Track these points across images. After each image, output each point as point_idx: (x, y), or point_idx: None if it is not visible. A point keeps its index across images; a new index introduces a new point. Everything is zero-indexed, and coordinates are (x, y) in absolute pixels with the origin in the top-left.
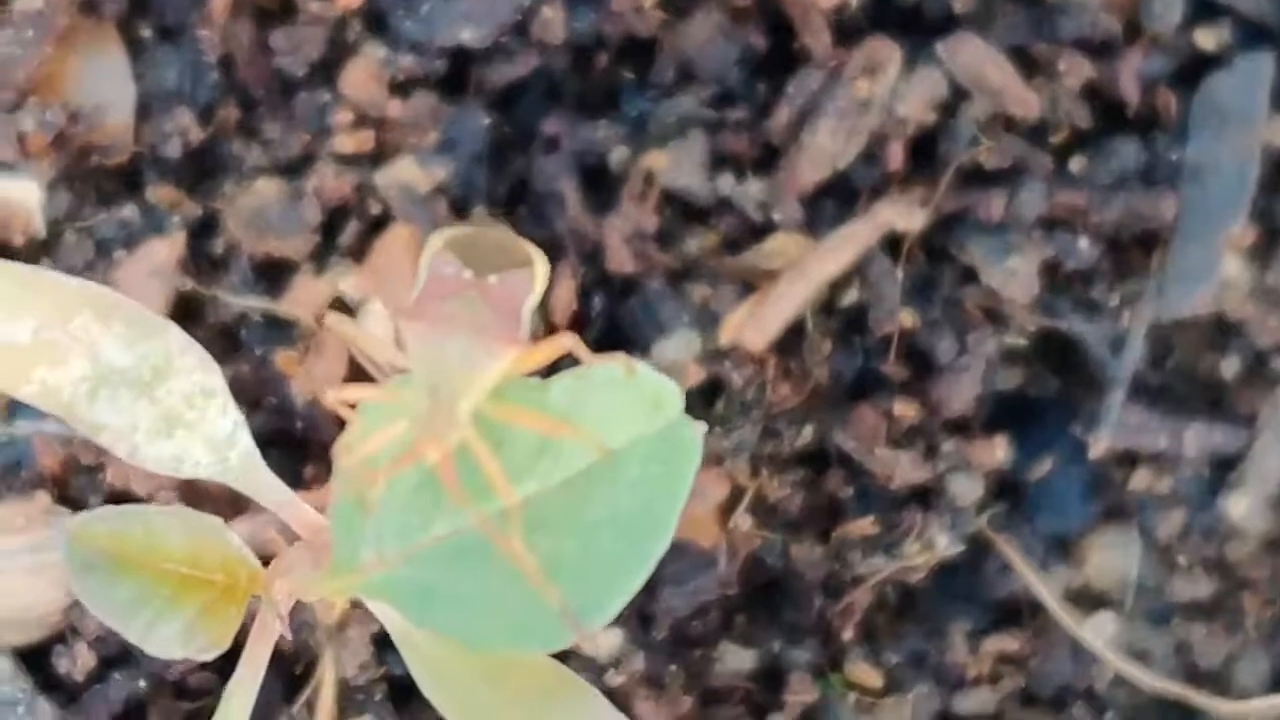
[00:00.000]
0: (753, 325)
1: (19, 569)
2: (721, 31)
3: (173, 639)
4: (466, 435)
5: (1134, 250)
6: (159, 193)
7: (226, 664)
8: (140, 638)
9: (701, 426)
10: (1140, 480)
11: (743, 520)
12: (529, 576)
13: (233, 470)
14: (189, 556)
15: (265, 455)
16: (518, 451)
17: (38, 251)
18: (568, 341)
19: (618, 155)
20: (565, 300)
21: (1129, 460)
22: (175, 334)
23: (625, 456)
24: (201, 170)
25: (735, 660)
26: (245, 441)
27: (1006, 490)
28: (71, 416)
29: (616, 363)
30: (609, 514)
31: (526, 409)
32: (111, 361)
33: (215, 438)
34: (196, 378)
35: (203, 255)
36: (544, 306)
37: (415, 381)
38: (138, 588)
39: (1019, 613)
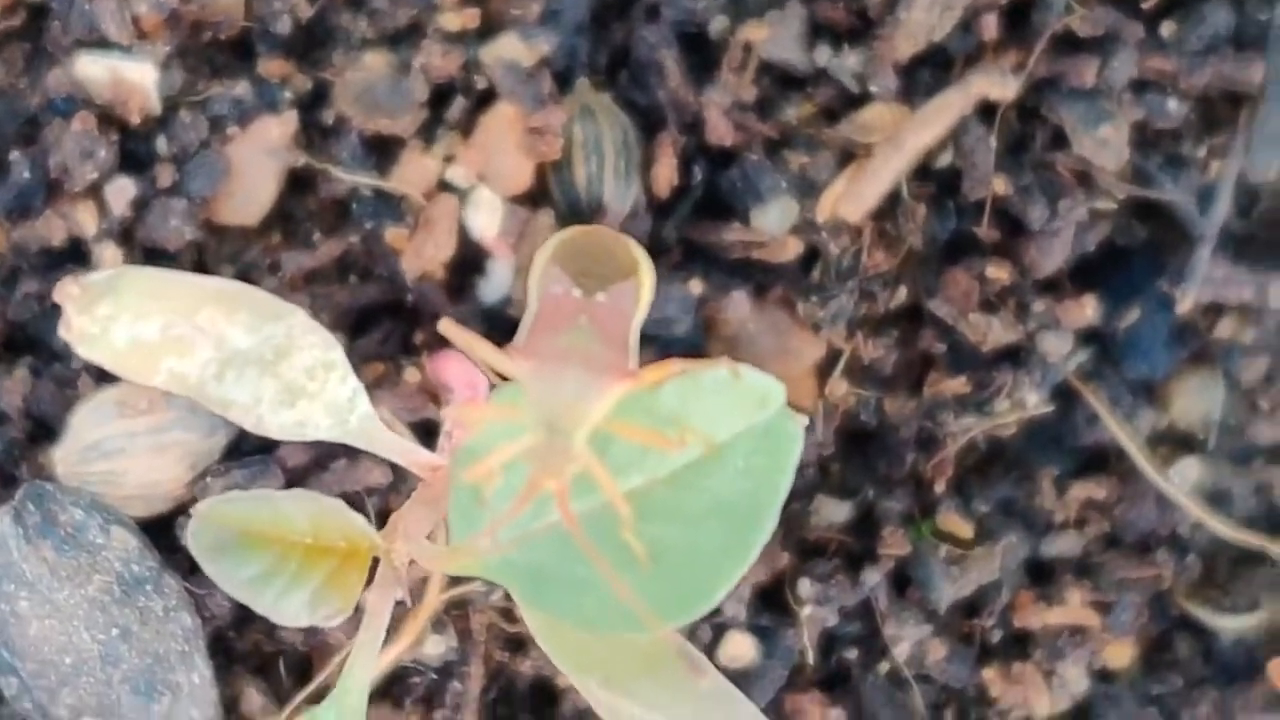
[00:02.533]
0: (849, 198)
1: (142, 449)
2: None
3: (301, 607)
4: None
5: (1222, 106)
6: (270, 66)
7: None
8: (270, 609)
9: (803, 419)
10: (1225, 329)
11: (838, 385)
12: (638, 561)
13: (352, 431)
14: (313, 531)
15: (376, 324)
16: (626, 446)
17: (154, 129)
18: (675, 366)
19: (717, 25)
20: (666, 171)
21: (1214, 310)
22: (298, 317)
23: (729, 450)
24: (311, 42)
25: (830, 512)
26: (363, 405)
27: (1094, 340)
28: (200, 396)
29: (722, 366)
30: (713, 504)
31: (635, 423)
32: (236, 345)
33: (336, 404)
34: (317, 353)
35: (314, 126)
36: (645, 177)
37: (530, 415)
38: (266, 562)
39: (1106, 459)
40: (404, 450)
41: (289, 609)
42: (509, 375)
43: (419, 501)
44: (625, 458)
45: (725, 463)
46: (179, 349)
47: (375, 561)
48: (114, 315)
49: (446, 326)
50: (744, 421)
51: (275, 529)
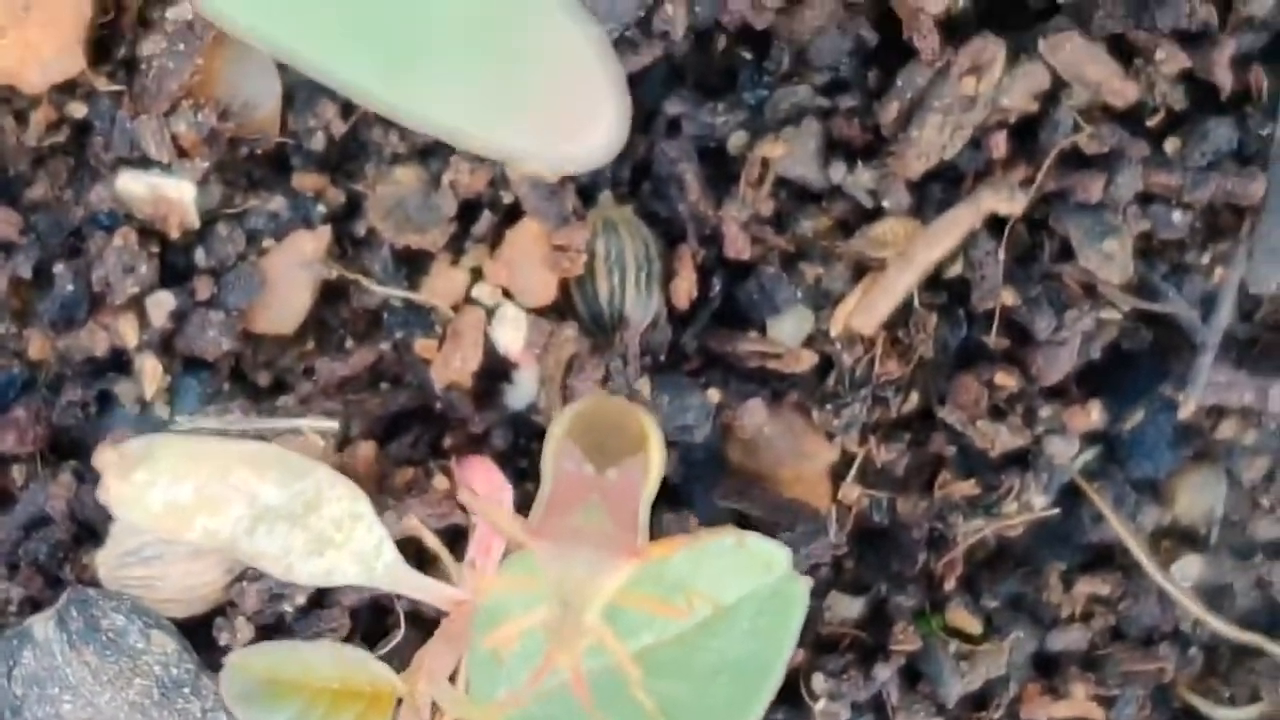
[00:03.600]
0: (862, 310)
1: (179, 555)
2: (834, 21)
3: None
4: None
5: (1225, 215)
6: (304, 180)
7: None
8: None
9: (807, 582)
10: (1227, 430)
11: (851, 488)
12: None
13: (378, 577)
14: (338, 677)
15: (406, 427)
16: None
17: (193, 242)
18: (682, 541)
19: (735, 140)
20: (686, 284)
21: (1217, 412)
22: (324, 472)
23: (736, 611)
24: (344, 157)
25: (844, 608)
26: (389, 553)
27: (1099, 440)
28: (232, 549)
29: (727, 534)
30: (721, 662)
31: (644, 590)
32: (267, 502)
33: (363, 552)
34: (344, 505)
35: (347, 238)
36: (666, 289)
37: (545, 591)
38: (295, 709)
39: (1111, 556)
40: (428, 589)
41: None
42: (526, 545)
43: (442, 639)
44: (636, 619)
45: (732, 623)
46: (212, 508)
47: (399, 701)
48: (150, 481)
49: (469, 499)
50: (750, 584)
51: (302, 677)
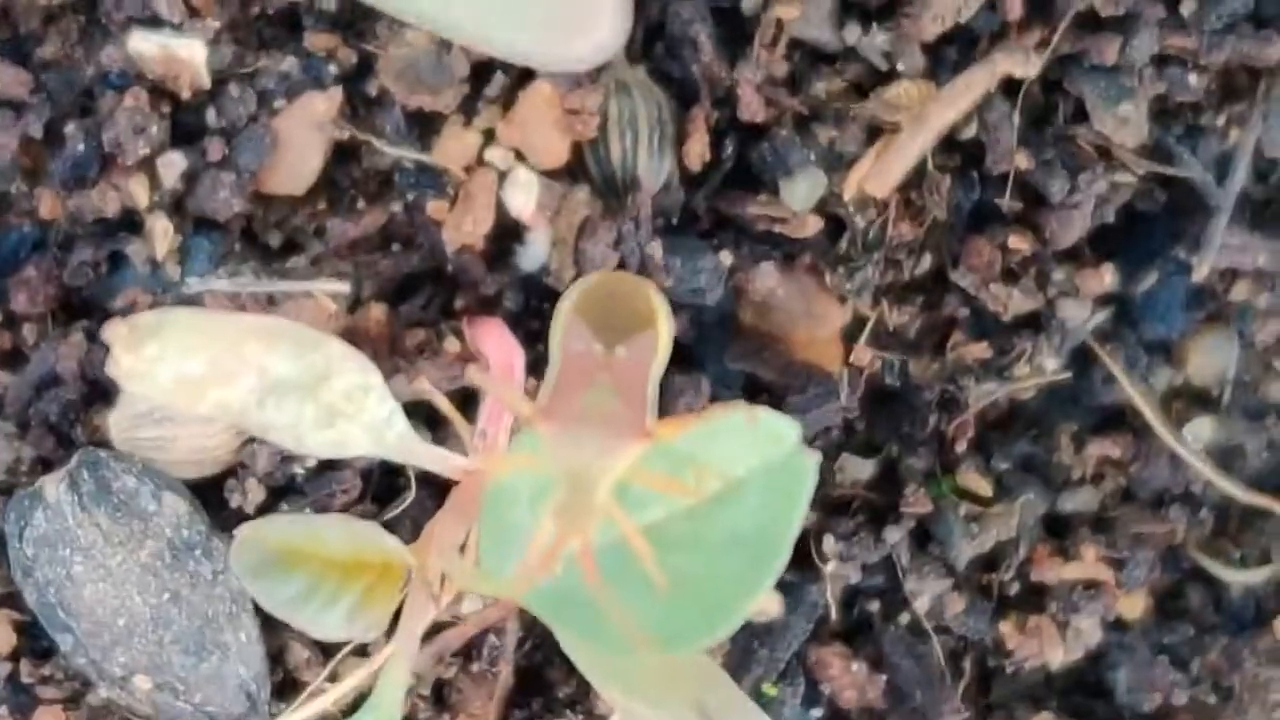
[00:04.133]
0: (876, 173)
1: (192, 417)
2: None
3: (339, 622)
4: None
5: (1241, 77)
6: (316, 40)
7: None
8: (310, 624)
9: (816, 455)
10: (1240, 292)
11: (863, 351)
12: (658, 590)
13: (390, 447)
14: (349, 550)
15: (417, 289)
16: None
17: (204, 103)
18: (690, 420)
19: (750, 2)
20: (699, 146)
21: (1230, 274)
22: (335, 344)
23: (746, 485)
24: (356, 17)
25: (855, 470)
26: (400, 424)
27: (1112, 302)
28: (242, 420)
29: (737, 411)
30: (730, 535)
31: (654, 466)
32: (278, 374)
33: (374, 423)
34: (355, 377)
35: (359, 99)
36: (678, 151)
37: (553, 473)
38: (305, 580)
39: (1122, 418)
40: (439, 459)
41: (328, 624)
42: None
43: (450, 513)
44: (646, 493)
45: (742, 497)
46: (223, 381)
47: (410, 573)
48: (160, 355)
49: (474, 374)
50: (759, 458)
51: (313, 548)
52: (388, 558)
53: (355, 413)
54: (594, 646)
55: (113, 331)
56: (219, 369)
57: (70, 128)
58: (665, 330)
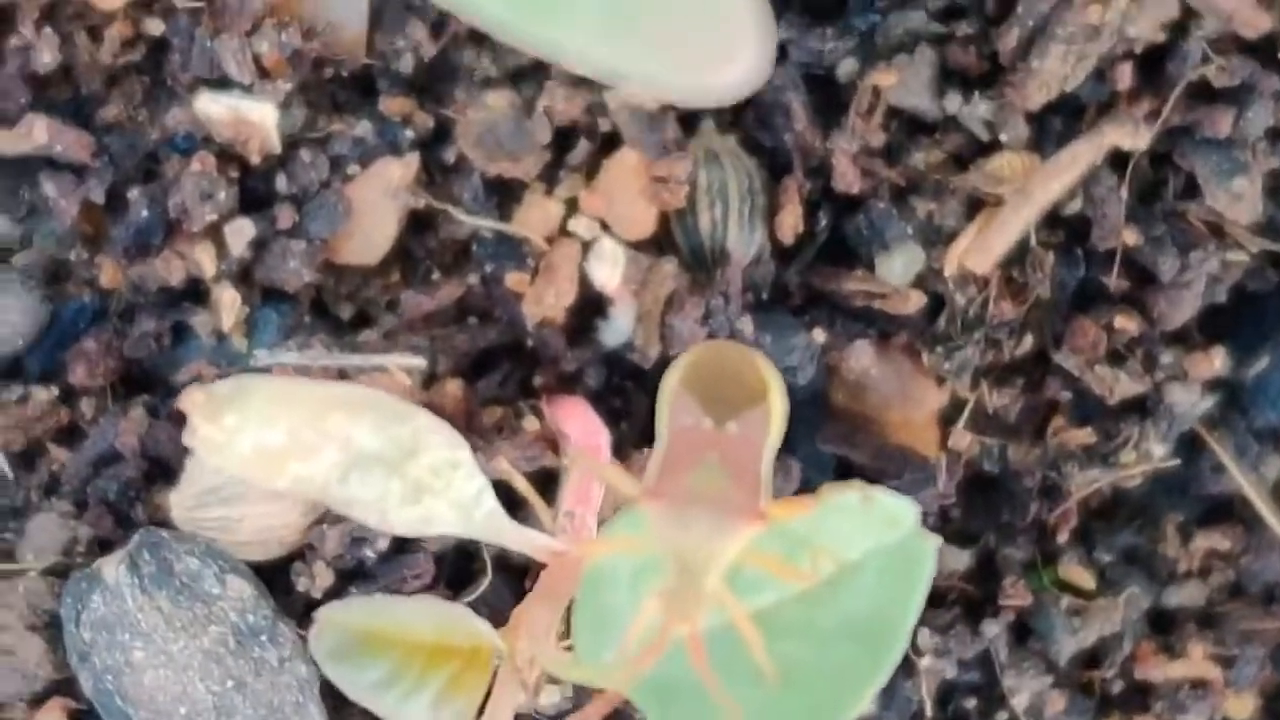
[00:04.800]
0: (977, 248)
1: (259, 495)
2: None
3: (424, 710)
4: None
5: None
6: (392, 104)
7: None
8: (393, 712)
9: (936, 540)
10: None
11: (962, 435)
12: (767, 680)
13: (477, 527)
14: (435, 633)
15: (495, 365)
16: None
17: (274, 168)
18: (804, 503)
19: (845, 68)
20: (791, 218)
21: None
22: (424, 417)
23: (860, 568)
24: (434, 80)
25: (951, 560)
26: (490, 502)
27: (1221, 386)
28: (324, 497)
29: (853, 490)
30: (845, 622)
31: (767, 547)
32: (362, 447)
33: (462, 500)
34: (443, 453)
35: (435, 166)
36: (770, 223)
37: (661, 557)
38: (388, 666)
39: (1231, 508)
40: (528, 541)
41: (411, 712)
42: (639, 505)
43: (541, 594)
44: (756, 576)
45: (857, 581)
46: (304, 453)
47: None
48: (240, 425)
49: (579, 457)
50: (875, 541)
51: (397, 633)
52: (476, 642)
53: (443, 489)
54: None
55: (190, 400)
56: (300, 441)
57: (134, 193)
58: (779, 405)
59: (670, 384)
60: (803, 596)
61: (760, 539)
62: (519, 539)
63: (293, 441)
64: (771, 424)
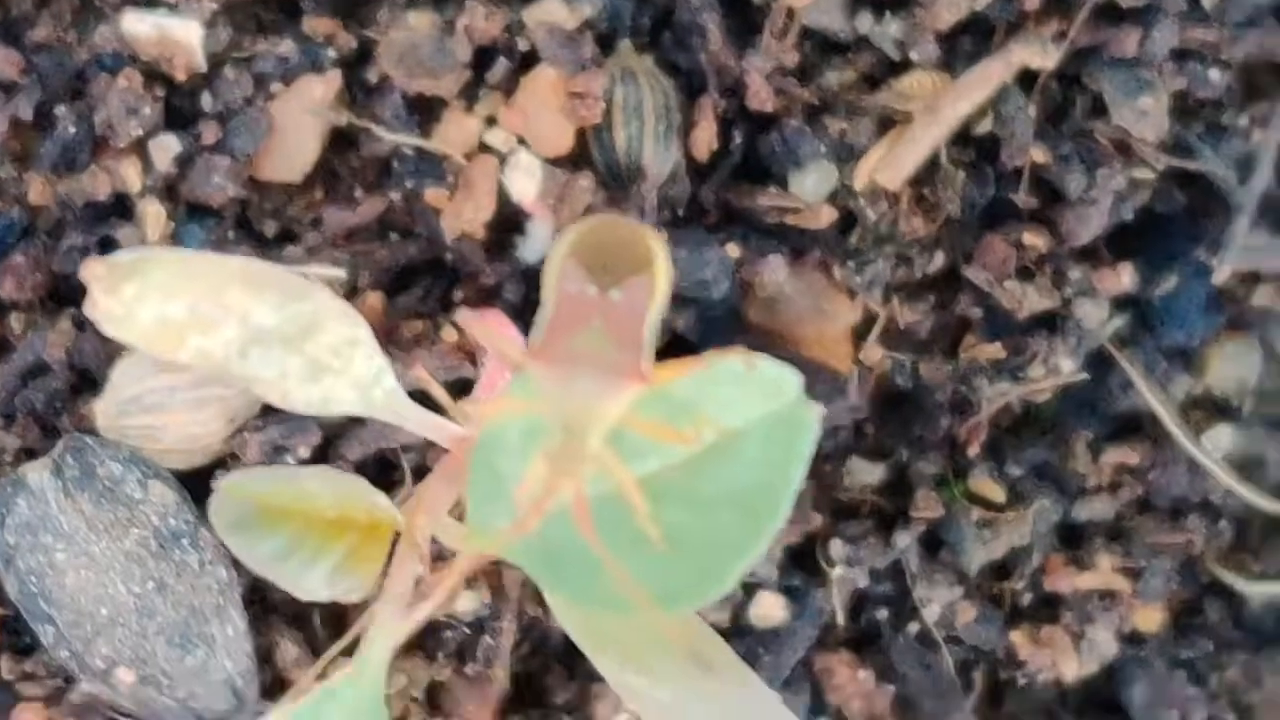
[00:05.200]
0: (888, 164)
1: (181, 404)
2: None
3: (322, 581)
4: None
5: (1264, 75)
6: (315, 24)
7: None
8: (291, 583)
9: (819, 409)
10: (1262, 296)
11: (874, 349)
12: (652, 545)
13: (377, 406)
14: (334, 506)
15: (416, 281)
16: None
17: (199, 86)
18: (687, 365)
19: None
20: (706, 135)
21: (1252, 278)
22: (322, 295)
23: (744, 437)
24: (356, 1)
25: (864, 473)
26: (388, 381)
27: (1130, 306)
28: (224, 372)
29: (736, 357)
30: (727, 490)
31: (650, 414)
32: (261, 323)
33: (361, 380)
34: (343, 331)
35: (357, 85)
36: (685, 141)
37: (545, 416)
38: (287, 537)
39: (1140, 425)
40: (429, 423)
41: (309, 583)
42: (524, 367)
43: (441, 476)
44: (641, 443)
45: (740, 450)
46: (204, 327)
47: (397, 535)
48: (140, 296)
49: (465, 318)
50: (759, 410)
51: (296, 504)
52: (374, 517)
53: (342, 368)
54: (586, 607)
55: (90, 270)
56: (200, 314)
57: (61, 110)
58: (663, 273)
59: (558, 252)
60: (687, 464)
61: (644, 405)
62: (420, 421)
63: (193, 315)
64: (656, 291)
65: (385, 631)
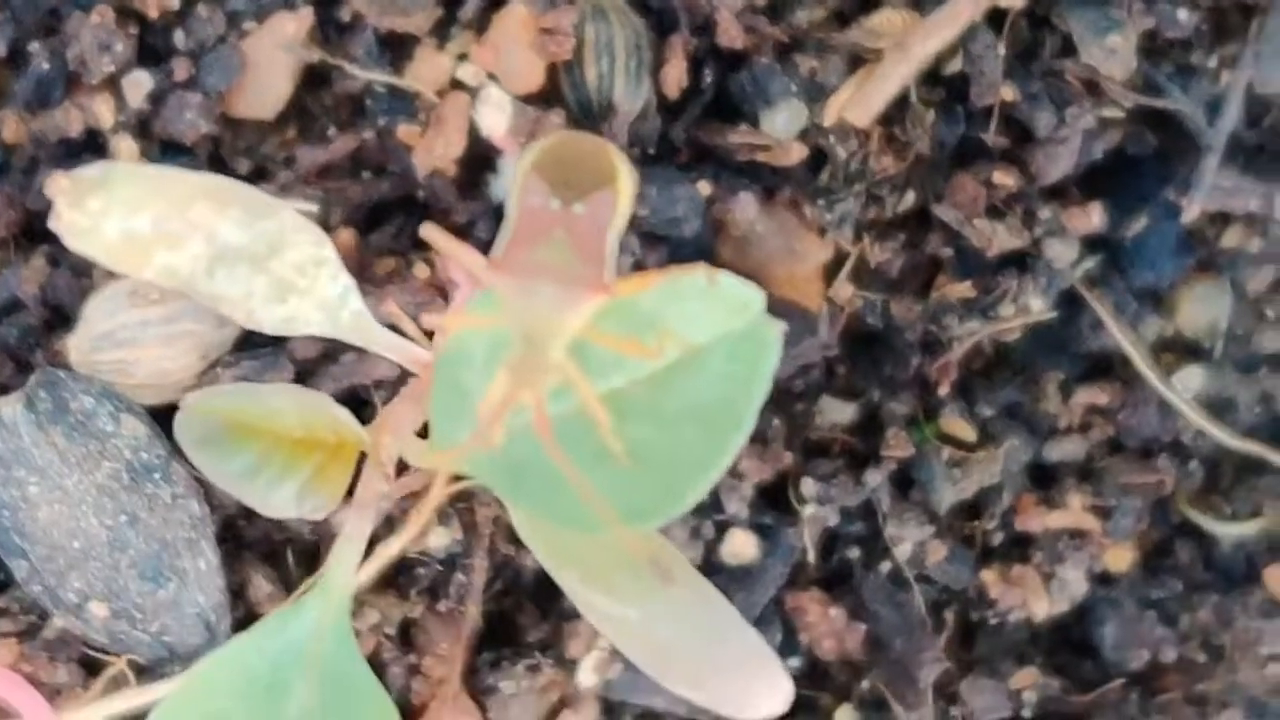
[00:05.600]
0: (857, 102)
1: (153, 338)
2: None
3: (289, 499)
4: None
5: (1233, 16)
6: None
7: None
8: (258, 500)
9: (781, 325)
10: (1232, 238)
11: (844, 287)
12: (616, 461)
13: (344, 327)
14: (301, 425)
15: (389, 219)
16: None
17: (171, 23)
18: (649, 278)
19: None
20: (676, 73)
21: (1221, 219)
22: (288, 214)
23: (707, 353)
24: None
25: (835, 413)
26: (355, 302)
27: (1101, 247)
28: (191, 289)
29: (699, 272)
30: (690, 406)
31: (612, 328)
32: (227, 241)
33: (327, 300)
34: (308, 250)
35: (330, 23)
36: (656, 78)
37: (508, 330)
38: (254, 455)
39: (1110, 365)
40: (396, 346)
41: (276, 500)
42: (487, 279)
43: (408, 397)
44: (605, 359)
45: (704, 366)
46: (170, 243)
47: (363, 456)
48: (105, 209)
49: (429, 231)
50: (723, 326)
51: (263, 422)
52: (340, 435)
53: (308, 288)
54: (550, 522)
55: (55, 184)
56: (165, 230)
57: (34, 46)
58: (626, 187)
59: (522, 166)
60: (650, 380)
61: (607, 320)
62: (387, 343)
63: (158, 230)
64: (618, 205)
65: (350, 547)
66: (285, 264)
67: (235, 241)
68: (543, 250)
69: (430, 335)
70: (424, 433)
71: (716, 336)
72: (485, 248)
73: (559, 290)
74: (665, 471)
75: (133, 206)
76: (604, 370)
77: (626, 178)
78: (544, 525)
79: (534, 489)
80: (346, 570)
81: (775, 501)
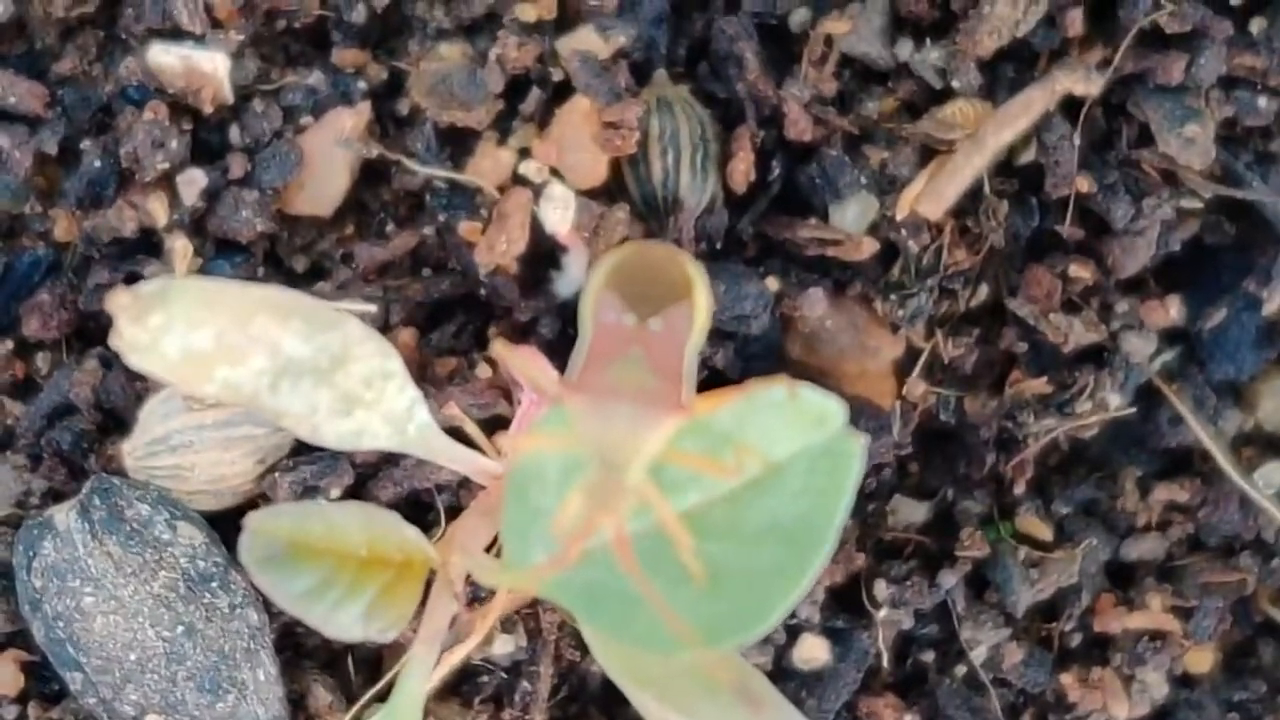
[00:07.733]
0: (930, 195)
1: (210, 443)
2: None
3: (355, 621)
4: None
5: None
6: (345, 55)
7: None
8: (323, 622)
9: (863, 439)
10: None
11: (916, 384)
12: (695, 581)
13: (410, 441)
14: (367, 543)
15: (450, 317)
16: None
17: (226, 118)
18: (728, 395)
19: (798, 17)
20: (744, 166)
21: None
22: (352, 324)
23: (788, 469)
24: (386, 32)
25: (908, 512)
26: (422, 414)
27: (1179, 340)
28: (254, 405)
29: (778, 386)
30: (771, 523)
31: (691, 445)
32: (290, 354)
33: (394, 413)
34: (375, 363)
35: (388, 117)
36: (722, 172)
37: (583, 451)
38: (319, 575)
39: (1189, 461)
40: (465, 459)
41: (342, 622)
42: (562, 400)
43: (476, 512)
44: (682, 476)
45: (783, 482)
46: (232, 358)
47: (432, 572)
48: (166, 325)
49: (500, 349)
50: (802, 441)
51: (328, 541)
52: (408, 554)
53: (374, 401)
54: (626, 645)
55: (115, 300)
56: (226, 344)
57: (87, 144)
58: (702, 301)
59: (595, 282)
60: (729, 497)
61: (686, 437)
62: (455, 456)
63: (219, 345)
64: (695, 320)
65: (419, 672)
66: (351, 377)
67: (298, 355)
68: (619, 369)
69: (492, 437)
70: (492, 547)
71: (796, 451)
72: (548, 346)
73: (637, 411)
74: (746, 591)
75: (193, 322)
76: (681, 488)
77: (702, 290)
78: (620, 646)
79: (609, 609)
80: (415, 697)
81: (847, 604)
